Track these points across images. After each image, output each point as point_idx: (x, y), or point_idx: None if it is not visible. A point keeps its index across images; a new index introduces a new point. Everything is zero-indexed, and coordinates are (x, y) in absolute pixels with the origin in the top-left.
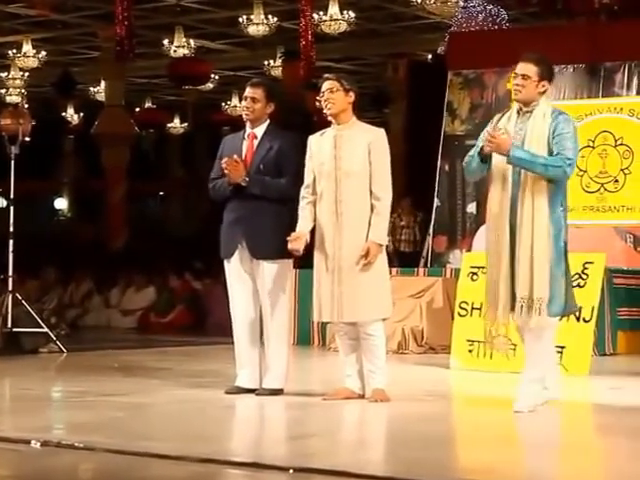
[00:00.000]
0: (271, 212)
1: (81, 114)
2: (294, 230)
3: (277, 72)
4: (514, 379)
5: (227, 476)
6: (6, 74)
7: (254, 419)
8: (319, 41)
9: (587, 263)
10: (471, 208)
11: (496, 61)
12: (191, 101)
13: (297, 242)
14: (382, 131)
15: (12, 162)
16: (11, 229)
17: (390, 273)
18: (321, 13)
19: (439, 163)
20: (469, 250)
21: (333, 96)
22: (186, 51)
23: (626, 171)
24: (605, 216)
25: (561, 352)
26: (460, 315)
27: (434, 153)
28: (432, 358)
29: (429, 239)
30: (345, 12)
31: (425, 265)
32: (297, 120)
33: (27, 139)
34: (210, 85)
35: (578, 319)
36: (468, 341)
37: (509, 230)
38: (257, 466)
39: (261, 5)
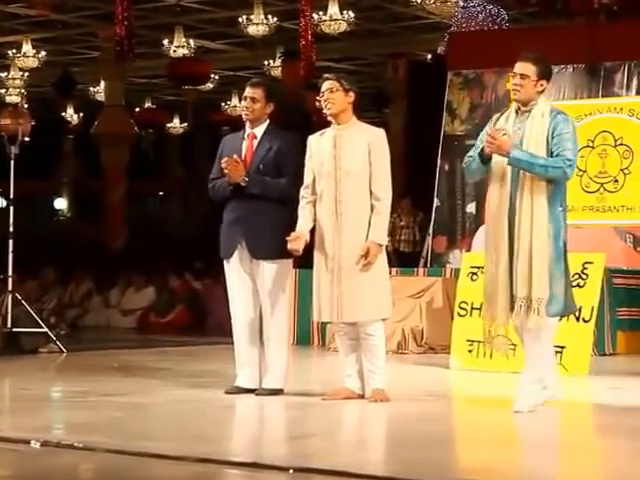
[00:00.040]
0: (271, 212)
1: (81, 114)
2: (294, 230)
3: (277, 72)
4: (514, 379)
5: (227, 476)
6: (6, 74)
7: (254, 419)
8: (319, 41)
9: (587, 263)
10: (471, 208)
11: (496, 61)
12: (191, 101)
13: (297, 242)
14: (382, 131)
15: (12, 162)
16: (11, 229)
17: (390, 273)
18: (321, 13)
19: (439, 163)
20: (469, 250)
21: (333, 96)
22: (186, 51)
23: (626, 171)
24: (605, 216)
25: (561, 352)
26: (460, 315)
27: (434, 153)
28: (432, 358)
29: (429, 239)
30: (345, 12)
31: (425, 265)
32: (297, 120)
33: (27, 139)
34: (210, 85)
35: (578, 319)
36: (468, 341)
37: (508, 230)
38: (257, 466)
39: (261, 5)
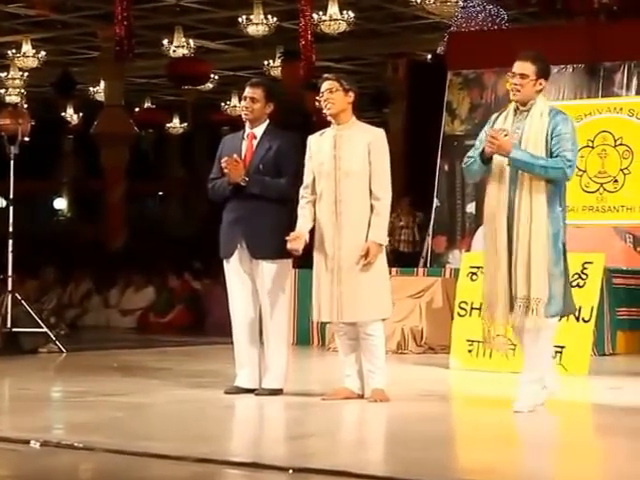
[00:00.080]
0: (270, 212)
1: (80, 114)
2: (293, 230)
3: (277, 72)
4: (514, 379)
5: (226, 476)
6: (5, 74)
7: (253, 419)
8: (319, 41)
9: (586, 263)
10: (470, 208)
11: (496, 61)
12: (190, 101)
13: (296, 242)
14: (382, 131)
15: (11, 162)
16: (10, 229)
17: (390, 273)
18: (320, 13)
19: (438, 163)
20: (468, 250)
21: (332, 96)
22: (185, 51)
23: (625, 171)
24: (604, 216)
25: (560, 352)
26: (459, 315)
27: (433, 153)
28: (431, 358)
29: (429, 239)
30: (345, 12)
31: (425, 265)
32: (296, 120)
33: (26, 139)
34: (209, 85)
35: (577, 319)
36: (468, 341)
37: (506, 230)
38: (256, 466)
39: (261, 5)
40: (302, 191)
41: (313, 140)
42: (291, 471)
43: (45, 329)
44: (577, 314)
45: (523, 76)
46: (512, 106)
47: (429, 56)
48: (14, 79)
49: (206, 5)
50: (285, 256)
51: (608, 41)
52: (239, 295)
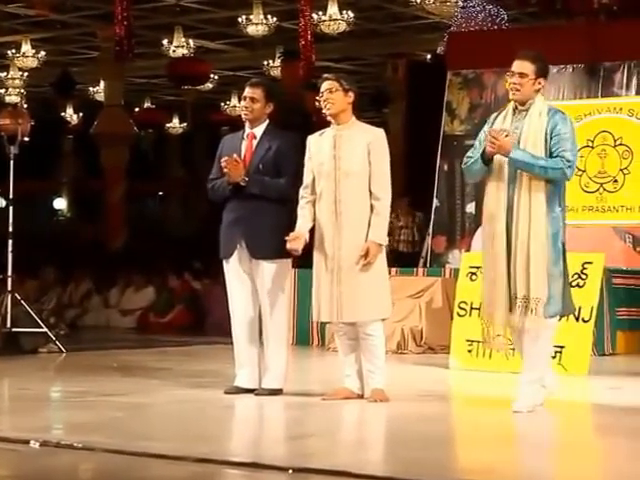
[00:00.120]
0: (270, 212)
1: (80, 114)
2: (293, 230)
3: (276, 72)
4: (513, 379)
5: (226, 476)
6: (5, 74)
7: (253, 419)
8: (318, 41)
9: (586, 263)
10: (470, 208)
11: (495, 61)
12: (190, 101)
13: (296, 242)
14: (381, 131)
15: (11, 162)
16: (10, 229)
17: (389, 273)
18: (320, 13)
19: (438, 163)
20: (468, 250)
21: (332, 96)
22: (185, 51)
23: (625, 171)
24: (604, 216)
25: (560, 352)
26: (459, 315)
27: (433, 153)
28: (431, 358)
29: (428, 239)
30: (344, 12)
31: (424, 265)
32: (296, 120)
33: (26, 139)
34: (209, 85)
35: (577, 319)
36: (467, 341)
37: (505, 230)
38: (256, 466)
39: (260, 5)
40: (302, 191)
41: (313, 140)
42: (291, 471)
43: (45, 329)
44: (577, 314)
45: (522, 75)
46: (511, 106)
47: (429, 56)
48: (14, 79)
49: (206, 5)
50: (285, 256)
51: (608, 41)
52: (239, 295)
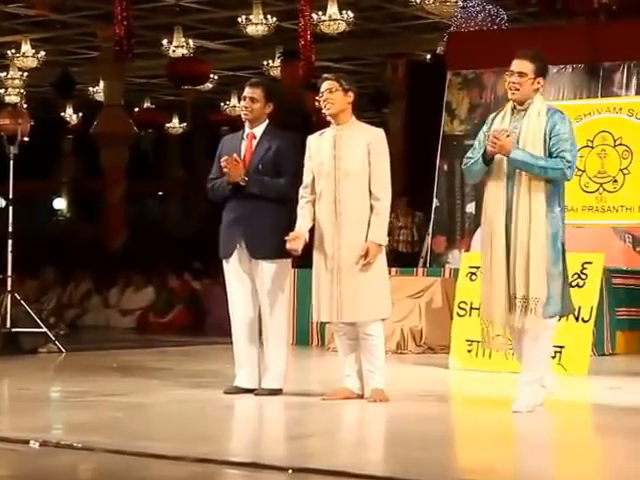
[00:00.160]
0: (270, 212)
1: (80, 114)
2: (293, 230)
3: (276, 72)
4: (513, 379)
5: (226, 476)
6: (5, 74)
7: (253, 419)
8: (318, 41)
9: (586, 263)
10: (470, 208)
11: (495, 61)
12: (190, 101)
13: (295, 242)
14: (381, 131)
15: (11, 162)
16: (10, 229)
17: (389, 273)
18: (320, 13)
19: (438, 163)
20: (468, 250)
21: (332, 96)
22: (185, 51)
23: (625, 171)
24: (604, 216)
25: (560, 352)
26: (459, 315)
27: (433, 153)
28: (431, 358)
29: (428, 239)
30: (344, 12)
31: (424, 265)
32: (296, 120)
33: (26, 139)
34: (209, 85)
35: (577, 319)
36: (467, 341)
37: (505, 230)
38: (256, 466)
39: (260, 5)
40: (301, 191)
41: (313, 140)
42: (290, 471)
43: (45, 329)
44: (577, 314)
45: (521, 74)
46: (509, 105)
47: (428, 56)
48: (14, 79)
49: (205, 5)
50: (284, 256)
51: (608, 41)
52: (238, 295)
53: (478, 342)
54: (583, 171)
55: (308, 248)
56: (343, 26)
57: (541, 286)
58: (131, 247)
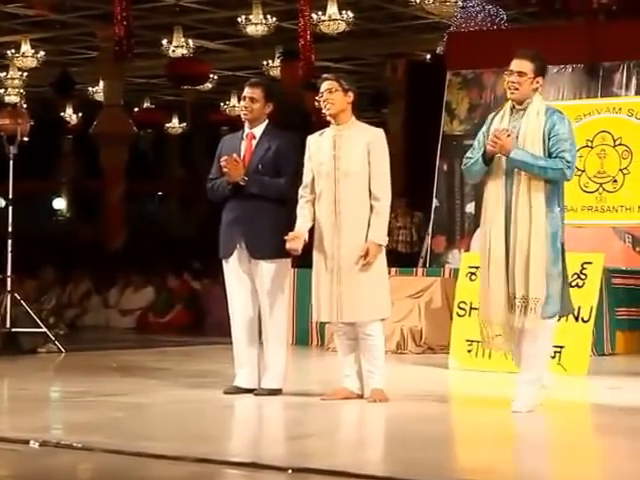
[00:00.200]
0: (270, 212)
1: (80, 114)
2: (293, 230)
3: (276, 72)
4: (513, 379)
5: (226, 476)
6: (5, 74)
7: (253, 419)
8: (318, 41)
9: (586, 263)
10: (470, 208)
11: (495, 61)
12: (190, 101)
13: (295, 242)
14: (381, 131)
15: (11, 162)
16: (10, 229)
17: (389, 273)
18: (320, 13)
19: (437, 163)
20: (468, 250)
21: (332, 96)
22: (185, 51)
23: (625, 171)
24: (604, 216)
25: (560, 352)
26: (459, 315)
27: (432, 153)
28: (431, 358)
29: (428, 239)
30: (344, 12)
31: (424, 265)
32: (296, 120)
33: (25, 139)
34: (209, 85)
35: (577, 319)
36: (467, 341)
37: (504, 230)
38: (256, 466)
39: (260, 5)
40: (301, 191)
41: (312, 140)
42: (290, 471)
43: (44, 329)
44: (576, 314)
45: (521, 74)
46: (508, 105)
47: (428, 56)
48: (13, 79)
49: (205, 5)
50: (284, 256)
51: (607, 41)
52: (238, 295)
53: (478, 342)
54: (583, 171)
55: (308, 248)
56: (343, 26)
57: (540, 286)
58: (131, 247)
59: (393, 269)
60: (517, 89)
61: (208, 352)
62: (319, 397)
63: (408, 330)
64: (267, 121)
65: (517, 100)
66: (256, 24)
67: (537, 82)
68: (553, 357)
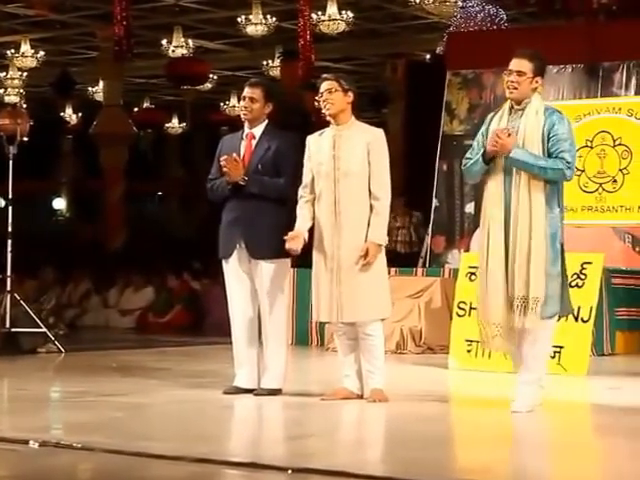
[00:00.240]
0: (269, 212)
1: (79, 114)
2: (292, 230)
3: (275, 72)
4: (512, 379)
5: (225, 476)
6: (4, 74)
7: (252, 419)
8: (317, 41)
9: (585, 263)
10: (469, 208)
11: (495, 61)
12: (189, 101)
13: (295, 241)
14: (381, 131)
15: (10, 162)
16: (9, 229)
17: (389, 273)
18: (319, 13)
19: (437, 163)
20: (467, 250)
21: (332, 96)
22: (184, 51)
23: (624, 171)
24: (604, 216)
25: (559, 352)
26: (458, 315)
27: (432, 153)
28: (430, 358)
29: (428, 239)
30: (343, 12)
31: (423, 265)
32: (295, 120)
33: (25, 139)
34: (208, 85)
35: (576, 319)
36: (466, 341)
37: (503, 230)
38: (255, 466)
39: (260, 5)
40: (301, 191)
41: (312, 140)
42: (290, 471)
43: (44, 329)
44: (576, 314)
45: (520, 73)
46: (507, 105)
47: (428, 56)
48: (13, 79)
49: (205, 5)
50: (284, 256)
51: (607, 41)
52: (238, 295)
53: (477, 342)
54: (582, 171)
55: (308, 248)
56: (343, 26)
57: (540, 286)
58: (130, 247)
59: (393, 269)
60: (516, 88)
61: (208, 352)
62: (319, 397)
63: (408, 330)
64: (267, 121)
65: (516, 99)
66: (256, 24)
67: (536, 82)
68: (553, 357)
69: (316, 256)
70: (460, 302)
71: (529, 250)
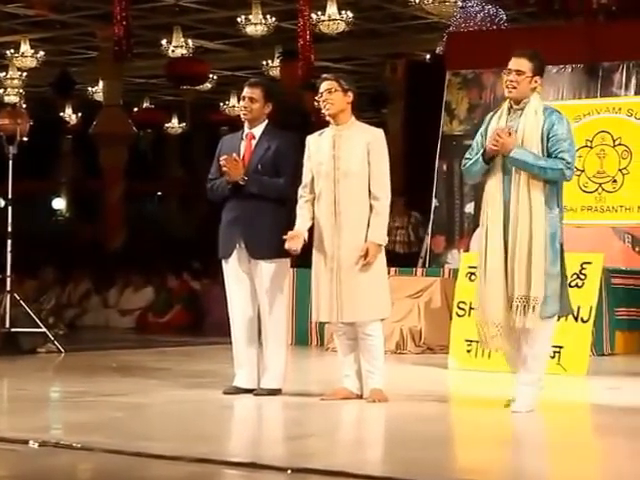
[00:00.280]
0: (269, 212)
1: (79, 114)
2: (292, 230)
3: (275, 72)
4: (512, 379)
5: (225, 476)
6: (4, 74)
7: (252, 419)
8: (317, 41)
9: (585, 263)
10: (469, 208)
11: (494, 61)
12: (189, 101)
13: (294, 241)
14: (381, 131)
15: (10, 162)
16: (9, 229)
17: (388, 273)
18: (319, 13)
19: (437, 163)
20: (467, 250)
21: (331, 96)
22: (184, 51)
23: (624, 171)
24: (603, 216)
25: (559, 352)
26: (458, 315)
27: (432, 153)
28: (430, 358)
29: (427, 239)
30: (343, 12)
31: (423, 265)
32: (295, 120)
33: (25, 139)
34: (208, 85)
35: (576, 319)
36: (466, 341)
37: (503, 230)
38: (255, 466)
39: (259, 5)
40: (301, 190)
41: (312, 140)
42: (290, 471)
43: (44, 329)
44: (576, 314)
45: (519, 73)
46: (506, 104)
47: (428, 56)
48: (13, 79)
49: (205, 5)
50: (283, 256)
51: (607, 41)
52: (238, 295)
53: (477, 342)
54: (582, 171)
55: (307, 248)
56: (342, 26)
57: (540, 286)
58: (130, 247)
59: (393, 269)
60: (515, 88)
61: (208, 352)
62: (319, 397)
63: (407, 330)
64: (267, 121)
65: (515, 99)
66: (256, 24)
67: (535, 81)
68: (552, 357)
69: (316, 256)
70: (460, 302)
71: (529, 250)
